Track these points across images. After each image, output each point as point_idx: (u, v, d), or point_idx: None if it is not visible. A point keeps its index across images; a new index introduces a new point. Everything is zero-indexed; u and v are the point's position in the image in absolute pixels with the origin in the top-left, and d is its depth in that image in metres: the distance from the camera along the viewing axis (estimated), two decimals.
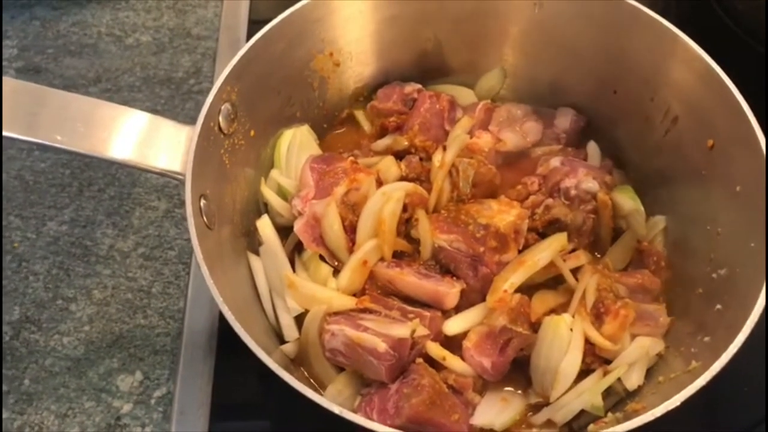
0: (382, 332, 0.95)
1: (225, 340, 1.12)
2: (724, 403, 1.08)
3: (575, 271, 1.06)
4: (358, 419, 0.78)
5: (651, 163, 1.17)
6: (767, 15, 1.27)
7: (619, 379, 0.98)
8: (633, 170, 1.21)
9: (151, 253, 1.29)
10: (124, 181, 1.37)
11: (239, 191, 1.08)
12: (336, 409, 0.77)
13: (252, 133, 1.10)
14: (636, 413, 0.82)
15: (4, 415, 1.12)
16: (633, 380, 0.98)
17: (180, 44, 1.60)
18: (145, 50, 1.58)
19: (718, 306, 0.94)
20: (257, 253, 1.09)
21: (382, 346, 0.94)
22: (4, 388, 1.15)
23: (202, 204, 0.94)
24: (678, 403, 0.78)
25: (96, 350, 1.18)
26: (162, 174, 0.94)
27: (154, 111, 1.46)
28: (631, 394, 0.98)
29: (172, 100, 1.50)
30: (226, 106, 1.02)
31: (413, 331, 0.95)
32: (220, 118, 1.01)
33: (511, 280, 1.01)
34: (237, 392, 1.10)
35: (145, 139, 0.95)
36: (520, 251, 1.06)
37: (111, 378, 1.16)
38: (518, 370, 1.01)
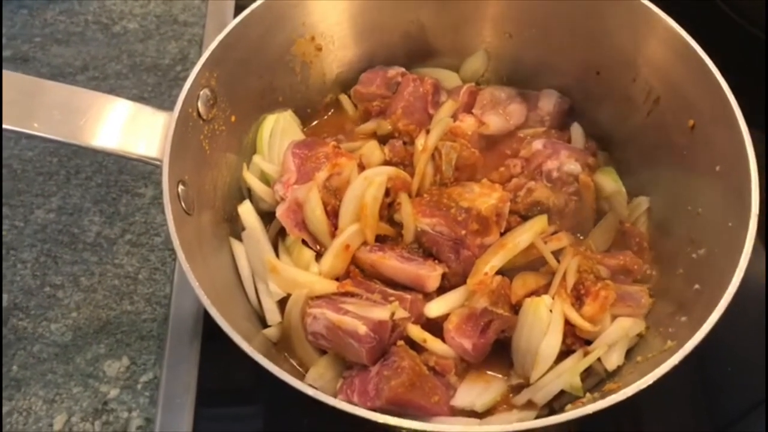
0: (363, 315, 0.96)
1: (211, 324, 1.10)
2: (722, 386, 1.08)
3: (557, 253, 1.06)
4: (332, 401, 0.78)
5: (634, 144, 1.17)
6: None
7: (600, 360, 0.98)
8: (617, 151, 1.21)
9: (138, 240, 1.29)
10: (111, 168, 1.38)
11: (221, 177, 1.08)
12: (310, 392, 0.78)
13: (233, 118, 1.10)
14: (611, 392, 0.82)
15: None
16: (612, 361, 0.98)
17: (167, 31, 1.59)
18: (132, 37, 1.58)
19: (697, 286, 0.94)
20: (240, 238, 1.09)
21: (362, 329, 0.94)
22: None
23: (180, 190, 0.94)
24: (651, 382, 0.79)
25: (83, 336, 1.19)
26: (139, 160, 0.95)
27: (140, 98, 1.48)
28: (611, 375, 0.98)
29: (158, 87, 1.50)
30: (205, 92, 1.02)
31: (392, 314, 0.96)
32: (199, 104, 1.01)
33: (491, 262, 1.01)
34: (223, 376, 1.10)
35: (124, 126, 0.95)
36: (502, 234, 1.06)
37: (98, 363, 1.17)
38: (500, 352, 1.02)
